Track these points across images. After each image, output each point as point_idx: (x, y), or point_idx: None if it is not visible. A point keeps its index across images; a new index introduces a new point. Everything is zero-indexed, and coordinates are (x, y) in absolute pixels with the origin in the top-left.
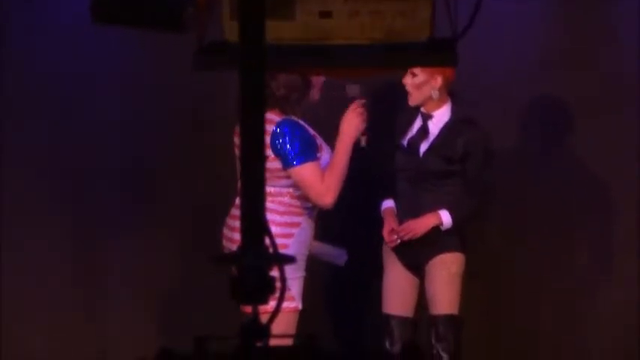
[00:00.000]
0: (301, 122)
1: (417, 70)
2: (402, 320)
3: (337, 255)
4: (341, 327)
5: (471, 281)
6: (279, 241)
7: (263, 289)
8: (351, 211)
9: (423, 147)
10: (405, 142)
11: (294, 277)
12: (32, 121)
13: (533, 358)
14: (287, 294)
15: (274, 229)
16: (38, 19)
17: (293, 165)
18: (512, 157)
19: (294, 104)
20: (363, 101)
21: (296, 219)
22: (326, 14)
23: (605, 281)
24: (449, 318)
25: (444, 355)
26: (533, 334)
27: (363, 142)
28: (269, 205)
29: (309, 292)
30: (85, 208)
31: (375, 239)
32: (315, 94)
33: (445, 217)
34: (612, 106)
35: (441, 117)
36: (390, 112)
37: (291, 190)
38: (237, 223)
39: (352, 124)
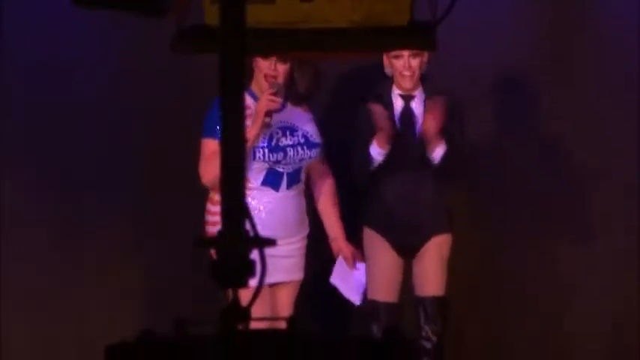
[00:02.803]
0: None
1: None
2: (391, 306)
3: (352, 294)
4: (325, 312)
5: (458, 280)
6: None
7: (243, 271)
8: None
9: (417, 130)
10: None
11: None
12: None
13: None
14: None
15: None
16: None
17: (201, 136)
18: (498, 154)
19: None
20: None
21: None
22: None
23: (591, 279)
24: (439, 299)
25: (433, 338)
26: (520, 329)
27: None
28: None
29: None
30: (62, 200)
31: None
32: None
33: (440, 150)
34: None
35: (420, 95)
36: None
37: None
38: (209, 218)
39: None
